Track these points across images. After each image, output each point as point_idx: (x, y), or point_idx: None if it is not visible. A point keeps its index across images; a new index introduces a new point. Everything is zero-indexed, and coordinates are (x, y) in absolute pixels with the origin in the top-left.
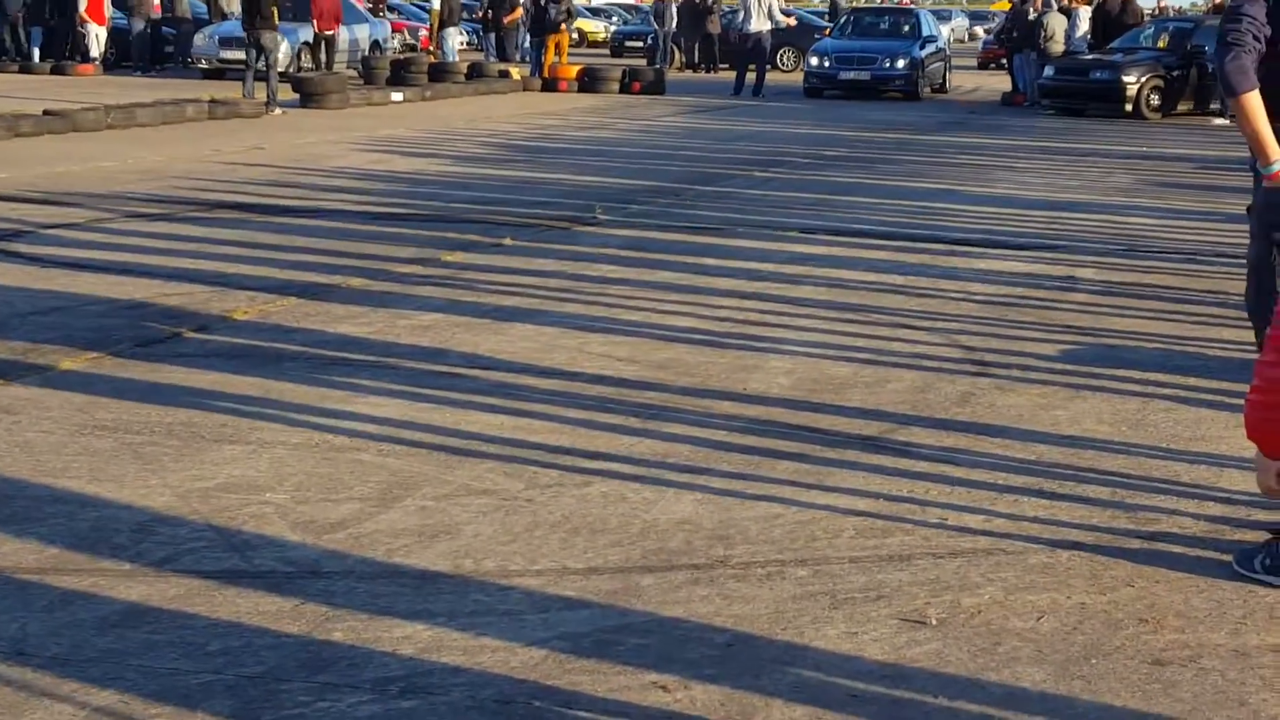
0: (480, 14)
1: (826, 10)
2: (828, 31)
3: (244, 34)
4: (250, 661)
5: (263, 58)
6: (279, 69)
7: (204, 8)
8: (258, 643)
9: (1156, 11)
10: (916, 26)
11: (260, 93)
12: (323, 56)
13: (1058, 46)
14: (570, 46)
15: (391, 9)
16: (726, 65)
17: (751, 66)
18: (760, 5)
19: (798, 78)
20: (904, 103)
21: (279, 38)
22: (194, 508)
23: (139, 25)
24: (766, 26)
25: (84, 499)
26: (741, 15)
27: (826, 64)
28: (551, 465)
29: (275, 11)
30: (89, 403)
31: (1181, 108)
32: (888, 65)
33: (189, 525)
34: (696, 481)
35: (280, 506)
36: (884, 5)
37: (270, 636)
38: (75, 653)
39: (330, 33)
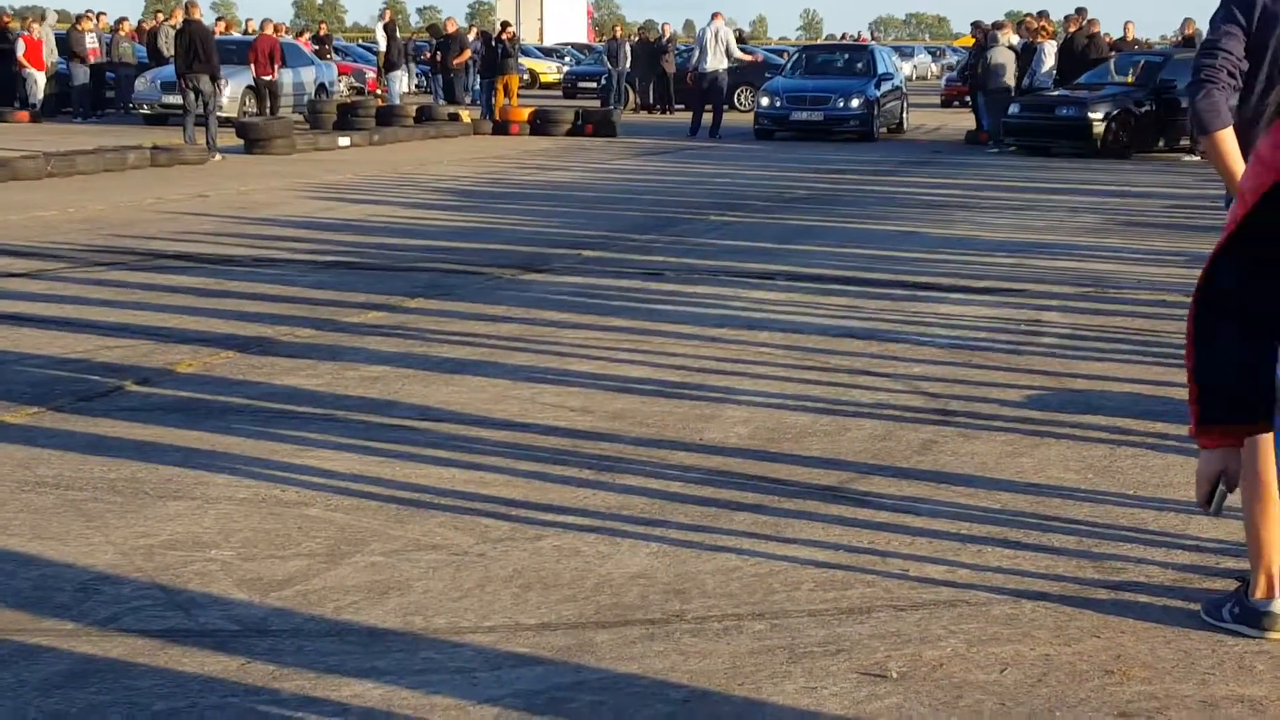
0: (429, 55)
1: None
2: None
3: (180, 80)
4: None
5: (201, 101)
6: (224, 114)
7: (143, 51)
8: (203, 703)
9: (1133, 44)
10: (871, 64)
11: (200, 138)
12: (267, 102)
13: (1008, 82)
14: (521, 88)
15: (338, 51)
16: (682, 105)
17: (708, 107)
18: (716, 43)
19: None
20: (860, 143)
21: (222, 82)
22: (138, 565)
23: (79, 70)
24: (723, 65)
25: (25, 557)
26: (697, 54)
27: (778, 104)
28: (504, 518)
29: (212, 54)
30: (31, 458)
31: (1151, 144)
32: (841, 105)
33: (133, 583)
34: (652, 534)
35: (226, 563)
36: (837, 43)
37: (216, 695)
38: (18, 714)
39: (268, 78)
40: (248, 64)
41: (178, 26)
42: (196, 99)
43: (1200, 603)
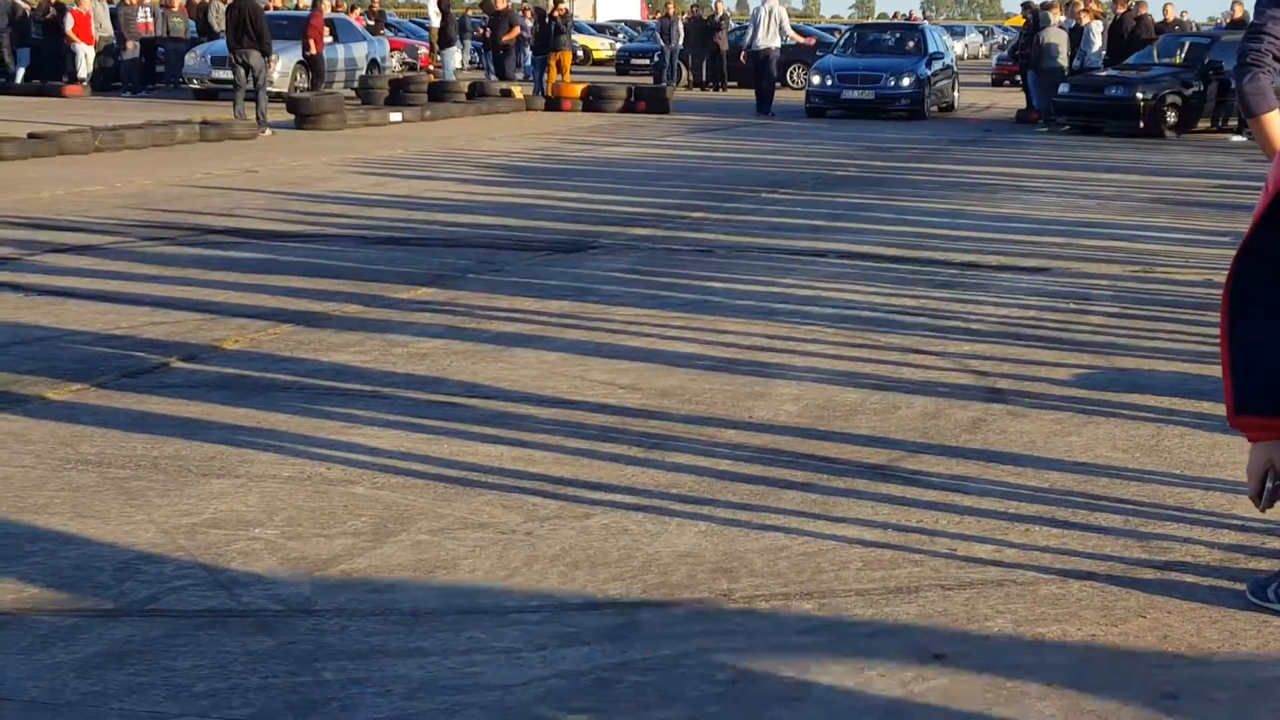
0: (482, 31)
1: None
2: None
3: (230, 55)
4: (237, 703)
5: (251, 77)
6: (275, 89)
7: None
8: (244, 684)
9: (1174, 26)
10: (922, 43)
11: (250, 113)
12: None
13: (1062, 63)
14: (575, 64)
15: (390, 27)
16: (735, 83)
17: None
18: (770, 20)
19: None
20: (911, 122)
21: (274, 56)
22: (180, 544)
23: (129, 44)
24: (776, 43)
25: (66, 536)
26: (750, 31)
27: (829, 83)
28: (551, 497)
29: (263, 30)
30: (73, 435)
31: (1199, 125)
32: (892, 84)
33: (174, 562)
34: (700, 512)
35: (270, 542)
36: (888, 21)
37: (258, 677)
38: (55, 696)
39: (314, 54)
40: (301, 39)
41: (228, 1)
42: (246, 74)
43: (1246, 583)
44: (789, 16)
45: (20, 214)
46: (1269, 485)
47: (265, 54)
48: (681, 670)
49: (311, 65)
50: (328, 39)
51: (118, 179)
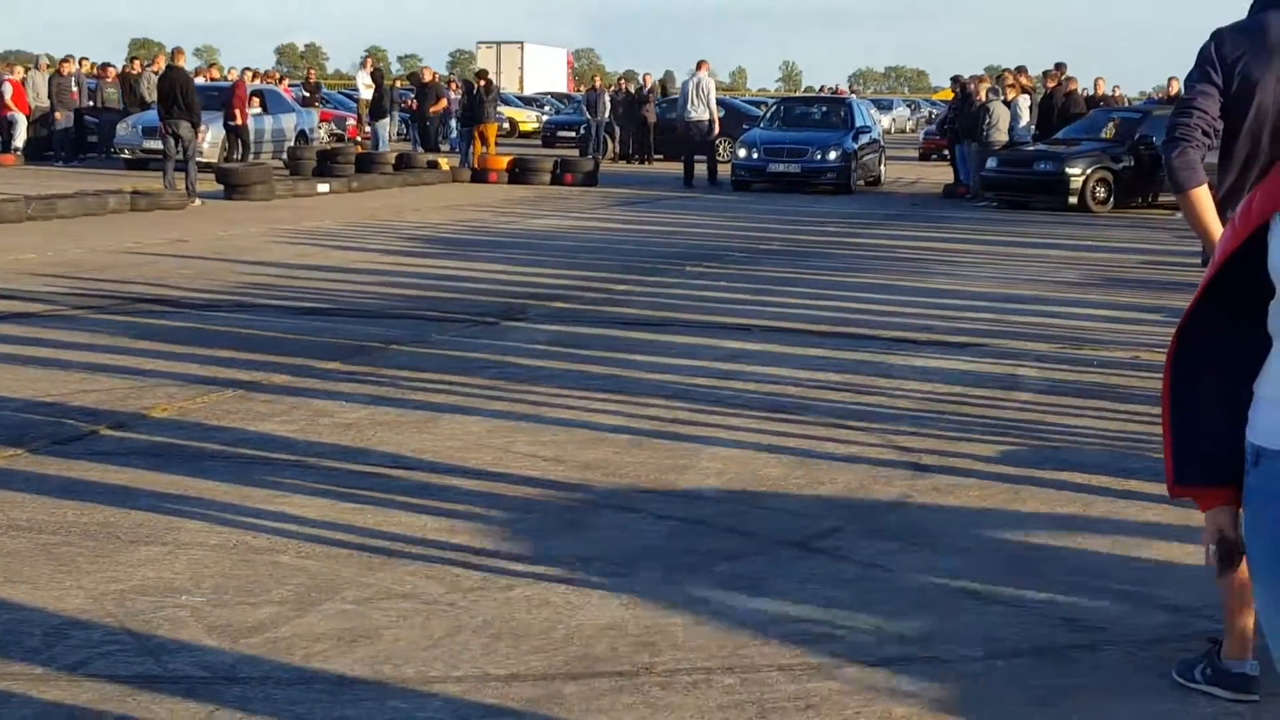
0: (409, 104)
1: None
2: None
3: (160, 125)
4: None
5: (180, 147)
6: (204, 159)
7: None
8: None
9: (1103, 101)
10: (849, 116)
11: (180, 183)
12: (238, 149)
13: (1002, 137)
14: (501, 136)
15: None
16: (660, 155)
17: (699, 157)
18: (699, 93)
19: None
20: (838, 195)
21: (204, 127)
22: (109, 610)
23: (62, 115)
24: (706, 116)
25: None
26: (681, 103)
27: (755, 155)
28: (474, 568)
29: (193, 101)
30: (4, 501)
31: (1129, 200)
32: (819, 157)
33: (103, 628)
34: (623, 585)
35: (196, 609)
36: (815, 95)
37: None
38: None
39: (235, 124)
40: (226, 109)
41: (159, 73)
42: (176, 145)
43: (1175, 664)
44: (715, 89)
45: None
46: (1213, 549)
47: (195, 124)
48: None
49: (237, 135)
50: (255, 109)
51: (50, 247)
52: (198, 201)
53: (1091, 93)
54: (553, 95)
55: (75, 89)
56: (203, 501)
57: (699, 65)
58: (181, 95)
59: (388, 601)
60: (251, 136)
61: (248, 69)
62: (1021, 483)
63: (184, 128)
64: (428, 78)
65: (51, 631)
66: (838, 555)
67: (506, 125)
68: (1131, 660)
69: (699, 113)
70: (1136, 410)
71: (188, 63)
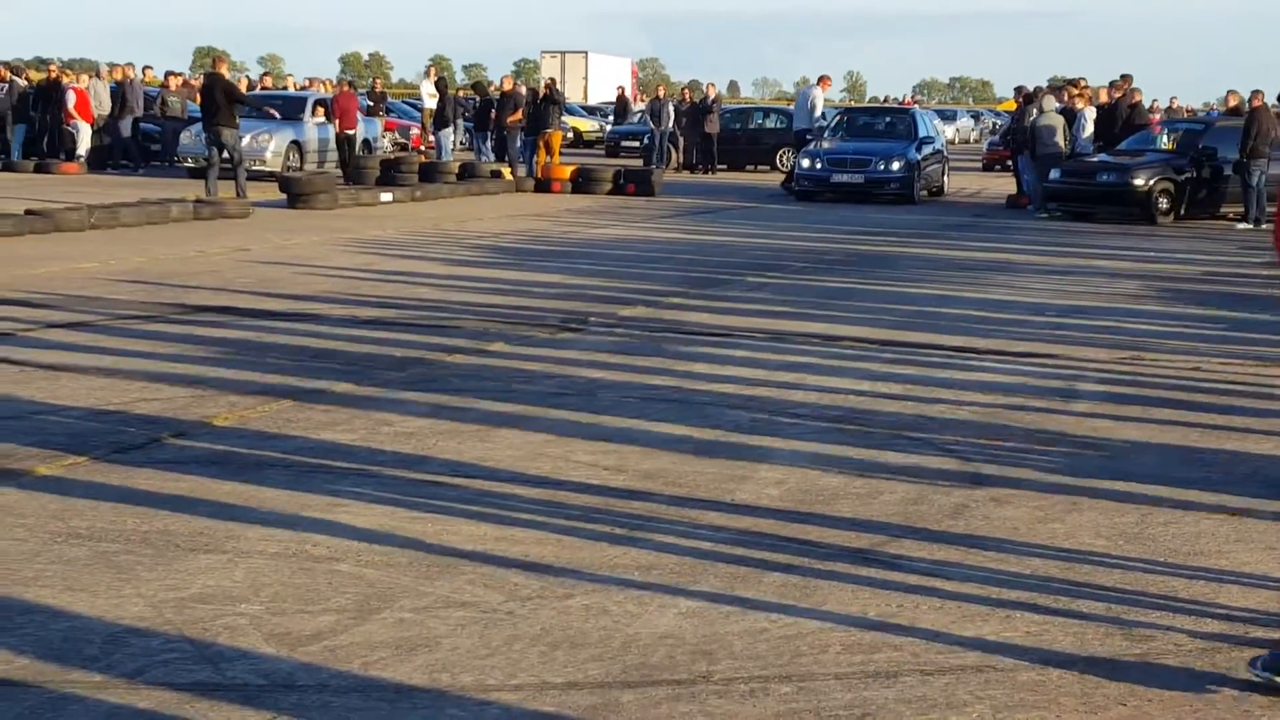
0: (472, 114)
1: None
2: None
3: (205, 131)
4: None
5: (225, 154)
6: (267, 168)
7: (194, 107)
8: None
9: (1165, 114)
10: (912, 127)
11: (225, 191)
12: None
13: (1052, 148)
14: (565, 146)
15: (386, 109)
16: (724, 166)
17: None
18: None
19: None
20: (901, 206)
21: (269, 136)
22: (167, 618)
23: (125, 123)
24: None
25: (56, 609)
26: (799, 116)
27: (818, 166)
28: (533, 577)
29: (232, 106)
30: (65, 509)
31: (1191, 211)
32: (882, 168)
33: (162, 636)
34: (681, 594)
35: (255, 617)
36: (879, 105)
37: None
38: None
39: (350, 132)
40: (328, 118)
41: (201, 81)
42: (220, 152)
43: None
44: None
45: (16, 289)
46: None
47: (253, 109)
48: None
49: (348, 143)
50: (319, 119)
51: (112, 256)
52: (251, 210)
53: (1165, 105)
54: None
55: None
56: (262, 510)
57: (820, 81)
58: (225, 99)
59: (446, 610)
60: (316, 146)
61: (310, 78)
62: (1080, 493)
63: (226, 134)
64: (507, 87)
65: (110, 639)
66: (896, 565)
67: (570, 135)
68: (1188, 670)
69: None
70: (1194, 420)
71: (253, 71)
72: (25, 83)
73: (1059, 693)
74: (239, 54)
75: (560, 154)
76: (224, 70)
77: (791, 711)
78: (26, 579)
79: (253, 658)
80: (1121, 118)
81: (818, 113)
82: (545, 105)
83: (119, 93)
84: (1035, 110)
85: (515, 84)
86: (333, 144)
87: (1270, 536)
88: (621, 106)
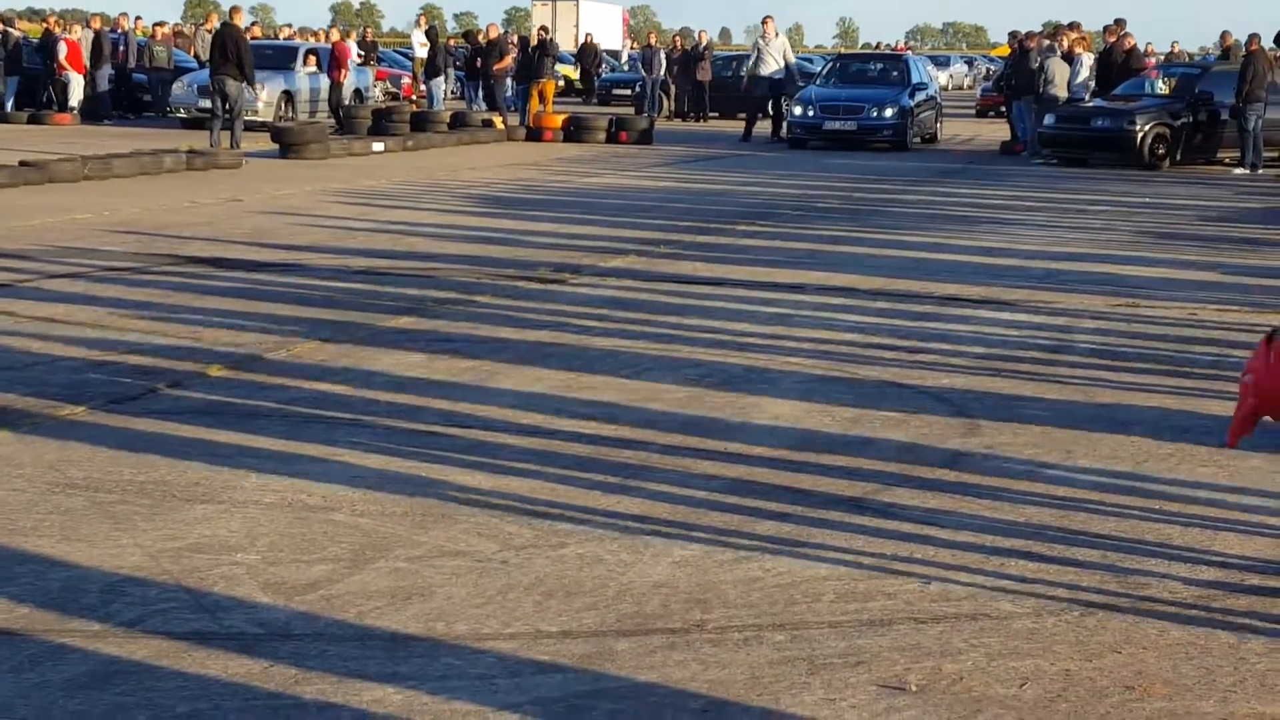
0: (463, 63)
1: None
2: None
3: (209, 82)
4: None
5: (227, 106)
6: (259, 118)
7: (184, 56)
8: (226, 705)
9: (1163, 59)
10: (906, 73)
11: (226, 142)
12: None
13: (1060, 93)
14: (556, 93)
15: (377, 58)
16: (716, 114)
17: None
18: (769, 50)
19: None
20: (894, 153)
21: (260, 85)
22: (165, 568)
23: (101, 74)
24: (780, 69)
25: (54, 559)
26: (753, 60)
27: (810, 113)
28: (527, 525)
29: (245, 59)
30: (61, 459)
31: (1188, 156)
32: (875, 114)
33: (159, 586)
34: (675, 543)
35: (251, 567)
36: (872, 51)
37: (239, 699)
38: (43, 714)
39: (339, 80)
40: (324, 68)
41: (213, 30)
42: (224, 104)
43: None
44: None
45: (10, 240)
46: None
47: (250, 82)
48: (654, 699)
49: (336, 91)
50: (311, 68)
51: (106, 207)
52: (244, 161)
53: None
54: (608, 51)
55: (121, 47)
56: (258, 460)
57: (764, 22)
58: (236, 53)
59: (441, 559)
60: (307, 96)
61: (304, 28)
62: (1074, 441)
63: (230, 85)
64: (493, 34)
65: (108, 588)
66: (890, 513)
67: (562, 82)
68: (1183, 615)
69: (769, 68)
70: (1191, 370)
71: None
72: (19, 34)
73: (1054, 640)
74: (230, 4)
75: (553, 103)
76: (239, 21)
77: (785, 659)
78: (24, 529)
79: (249, 607)
80: (1117, 63)
81: (776, 54)
82: (538, 54)
83: (96, 43)
84: (1045, 51)
85: (500, 31)
86: (324, 93)
87: (1266, 483)
88: (590, 54)
